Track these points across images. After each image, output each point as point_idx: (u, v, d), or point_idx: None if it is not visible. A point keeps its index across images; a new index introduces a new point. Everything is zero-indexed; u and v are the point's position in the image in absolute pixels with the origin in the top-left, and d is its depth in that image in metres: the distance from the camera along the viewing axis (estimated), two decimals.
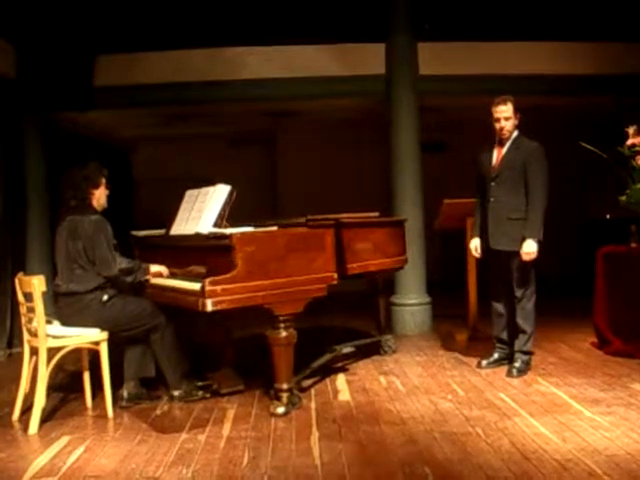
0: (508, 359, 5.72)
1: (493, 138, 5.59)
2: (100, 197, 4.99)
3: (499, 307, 5.69)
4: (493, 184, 5.44)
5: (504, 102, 5.43)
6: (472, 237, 5.79)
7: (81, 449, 4.06)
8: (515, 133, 5.48)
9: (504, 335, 5.73)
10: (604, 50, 8.83)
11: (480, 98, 5.59)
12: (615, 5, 8.90)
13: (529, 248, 5.24)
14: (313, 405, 4.85)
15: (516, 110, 5.44)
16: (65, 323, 4.76)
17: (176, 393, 4.96)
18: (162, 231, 5.53)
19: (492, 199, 5.43)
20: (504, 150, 5.47)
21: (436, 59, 8.28)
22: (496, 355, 5.78)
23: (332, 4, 8.85)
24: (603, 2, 8.96)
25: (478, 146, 5.77)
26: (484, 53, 8.62)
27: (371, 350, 6.42)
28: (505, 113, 5.40)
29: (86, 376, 4.94)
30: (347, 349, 5.98)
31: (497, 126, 5.44)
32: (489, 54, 8.63)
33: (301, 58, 8.48)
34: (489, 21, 8.89)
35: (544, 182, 5.31)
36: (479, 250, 5.67)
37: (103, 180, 5.02)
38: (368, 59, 8.32)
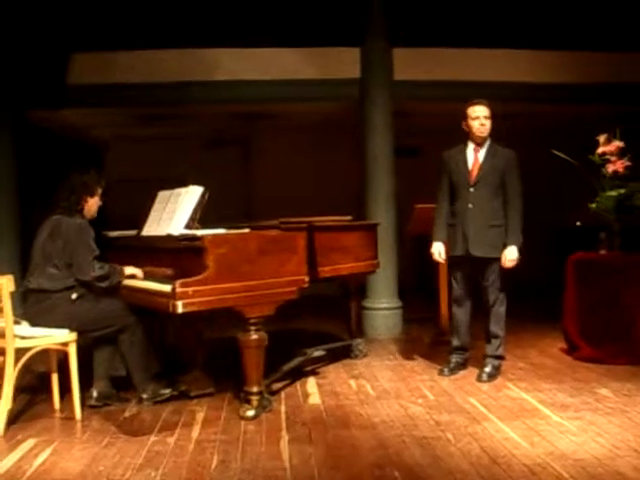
0: (465, 364, 5.80)
1: (464, 142, 5.58)
2: (92, 206, 5.02)
3: (460, 312, 5.71)
4: (472, 190, 5.41)
5: (482, 102, 5.46)
6: (435, 241, 5.67)
7: (48, 452, 4.01)
8: (489, 139, 5.50)
9: (463, 341, 5.77)
10: (576, 59, 8.95)
11: (453, 104, 5.61)
12: (589, 14, 9.01)
13: (512, 255, 5.28)
14: (283, 408, 4.84)
15: (492, 115, 5.48)
16: (34, 323, 4.70)
17: (145, 395, 4.91)
18: (134, 232, 5.50)
19: (471, 205, 5.40)
20: (481, 156, 5.46)
21: (411, 64, 8.32)
22: (454, 360, 5.79)
23: (308, 8, 8.86)
24: (576, 11, 9.06)
25: (445, 150, 5.74)
26: (458, 59, 8.69)
27: (342, 354, 6.42)
28: (485, 112, 5.42)
29: (54, 378, 4.87)
30: (318, 352, 5.98)
31: (476, 125, 5.41)
32: (463, 60, 8.70)
33: (276, 60, 8.49)
34: (464, 28, 8.97)
35: (521, 189, 5.36)
36: (443, 255, 5.64)
37: (99, 190, 5.05)
38: (343, 63, 8.34)
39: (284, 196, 10.46)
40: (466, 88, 8.29)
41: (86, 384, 4.85)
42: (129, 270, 4.93)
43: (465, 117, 5.48)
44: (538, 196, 11.84)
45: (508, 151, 5.46)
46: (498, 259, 5.34)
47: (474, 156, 5.49)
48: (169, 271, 4.72)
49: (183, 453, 3.96)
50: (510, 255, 5.28)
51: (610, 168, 6.15)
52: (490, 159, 5.42)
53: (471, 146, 5.52)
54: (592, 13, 9.07)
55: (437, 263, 5.81)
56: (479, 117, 5.41)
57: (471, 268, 5.53)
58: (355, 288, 6.58)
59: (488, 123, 5.43)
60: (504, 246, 5.30)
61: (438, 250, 5.64)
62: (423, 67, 8.50)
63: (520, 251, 5.31)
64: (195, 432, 4.34)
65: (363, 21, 8.11)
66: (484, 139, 5.46)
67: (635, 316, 6.01)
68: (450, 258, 5.65)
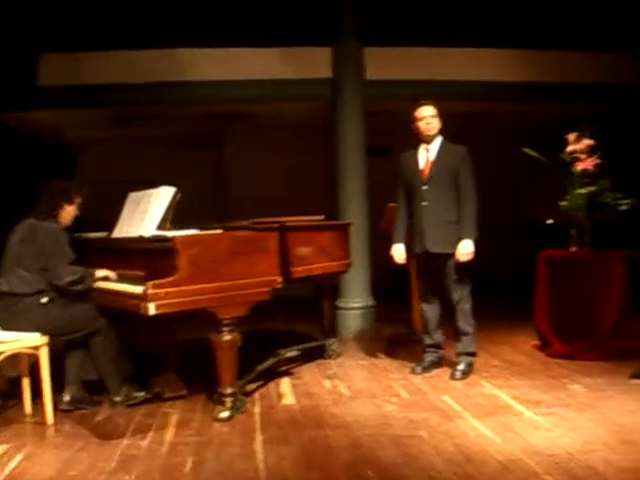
0: (440, 362, 5.83)
1: (416, 142, 5.65)
2: (69, 214, 4.97)
3: (429, 310, 5.75)
4: (425, 188, 5.47)
5: (427, 103, 5.57)
6: (395, 243, 5.72)
7: (19, 457, 3.96)
8: (440, 137, 5.59)
9: (435, 338, 5.80)
10: (546, 58, 9.03)
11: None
12: (556, 14, 9.09)
13: (467, 248, 5.32)
14: (257, 409, 4.83)
15: (439, 114, 5.56)
16: (5, 327, 4.65)
17: (117, 398, 4.87)
18: (104, 233, 5.46)
19: (425, 203, 5.46)
20: (433, 154, 5.54)
21: (382, 64, 8.35)
22: (428, 359, 5.82)
23: (281, 7, 8.86)
24: (544, 10, 9.15)
25: (401, 152, 5.83)
26: (430, 59, 8.74)
27: (316, 354, 6.42)
28: (431, 112, 5.52)
29: (25, 382, 4.82)
30: (292, 353, 5.97)
31: (423, 125, 5.51)
32: (435, 60, 8.76)
33: (250, 61, 8.49)
34: (435, 27, 9.01)
35: (475, 184, 5.43)
36: (403, 256, 5.68)
37: (78, 200, 5.00)
38: (315, 63, 8.36)
39: (257, 196, 10.47)
40: (438, 87, 8.36)
41: (58, 388, 4.79)
42: (101, 272, 4.89)
43: (413, 120, 5.58)
44: (511, 194, 12.04)
45: (460, 147, 5.54)
46: (454, 255, 5.39)
47: (425, 155, 5.58)
48: (141, 273, 4.69)
49: (157, 456, 3.94)
50: (464, 249, 5.32)
51: (580, 166, 6.21)
52: (442, 156, 5.51)
53: (422, 146, 5.62)
54: (562, 12, 9.16)
55: (409, 262, 5.82)
56: (425, 117, 5.52)
57: (433, 265, 5.58)
58: (328, 288, 6.57)
59: (434, 122, 5.53)
60: (459, 241, 5.35)
61: (398, 251, 5.69)
62: (395, 66, 8.54)
63: (477, 246, 5.35)
64: (169, 435, 4.31)
65: (335, 21, 8.13)
66: (433, 137, 5.56)
67: (605, 312, 6.08)
68: (411, 257, 5.70)
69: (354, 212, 7.79)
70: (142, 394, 4.98)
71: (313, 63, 8.39)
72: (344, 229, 6.37)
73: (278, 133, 11.17)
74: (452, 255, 5.39)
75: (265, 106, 9.60)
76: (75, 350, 4.90)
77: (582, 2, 9.16)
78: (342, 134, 8.02)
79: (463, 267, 5.44)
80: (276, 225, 5.01)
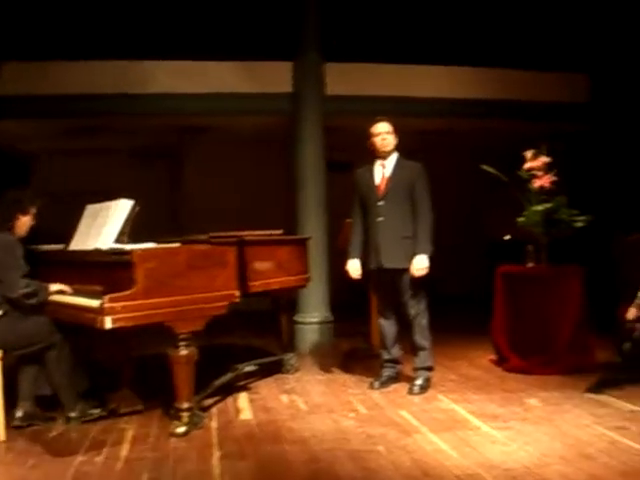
0: (397, 377, 5.84)
1: (372, 158, 5.69)
2: (23, 225, 4.87)
3: (387, 325, 5.76)
4: (381, 203, 5.51)
5: (383, 120, 5.62)
6: (350, 258, 5.73)
7: None
8: (395, 154, 5.64)
9: (393, 353, 5.81)
10: (505, 76, 9.14)
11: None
12: (516, 33, 9.24)
13: (421, 263, 5.35)
14: (214, 424, 4.78)
15: (395, 131, 5.61)
16: None
17: (72, 414, 4.76)
18: (61, 246, 5.38)
19: (381, 218, 5.50)
20: (388, 170, 5.59)
21: (343, 79, 8.39)
22: (386, 374, 5.82)
23: (242, 21, 8.86)
24: (504, 30, 9.28)
25: (355, 168, 5.89)
26: (389, 75, 8.81)
27: (273, 369, 6.38)
28: (386, 128, 5.58)
29: None
30: (249, 367, 5.92)
31: (379, 141, 5.56)
32: (394, 76, 8.83)
33: (210, 74, 8.47)
34: (396, 44, 9.08)
35: (430, 200, 5.48)
36: (359, 272, 5.69)
37: (33, 210, 4.91)
38: (276, 77, 8.37)
39: (215, 209, 10.39)
40: (398, 103, 8.44)
41: (10, 404, 4.69)
42: (55, 287, 4.82)
43: (369, 136, 5.63)
44: (470, 211, 12.15)
45: (415, 164, 5.59)
46: (410, 270, 5.41)
47: (381, 171, 5.62)
48: (98, 287, 4.63)
49: (111, 472, 3.87)
50: (419, 264, 5.36)
51: (537, 183, 6.29)
52: (398, 172, 5.56)
53: (378, 162, 5.66)
54: (522, 32, 9.30)
55: (368, 277, 5.82)
56: (381, 133, 5.57)
57: (388, 281, 5.60)
58: (286, 302, 6.56)
59: (389, 138, 5.58)
60: (414, 256, 5.38)
61: (353, 267, 5.70)
62: (355, 82, 8.59)
63: (431, 260, 5.38)
64: (124, 450, 4.25)
65: (296, 35, 8.15)
66: (388, 153, 5.60)
67: (561, 327, 6.15)
68: (367, 273, 5.71)
69: (313, 227, 7.79)
70: (98, 411, 4.89)
71: (274, 77, 8.39)
72: (302, 244, 6.37)
73: (237, 147, 11.15)
74: (407, 270, 5.42)
75: (225, 120, 9.57)
76: (28, 365, 4.79)
77: (542, 23, 9.31)
78: (302, 149, 8.03)
79: (418, 282, 5.47)
80: (234, 239, 4.99)
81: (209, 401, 5.28)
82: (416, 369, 5.65)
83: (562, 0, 9.19)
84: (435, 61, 8.95)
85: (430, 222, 5.44)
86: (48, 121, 9.11)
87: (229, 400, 5.47)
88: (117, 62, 8.27)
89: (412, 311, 5.53)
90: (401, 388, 5.66)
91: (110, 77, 8.21)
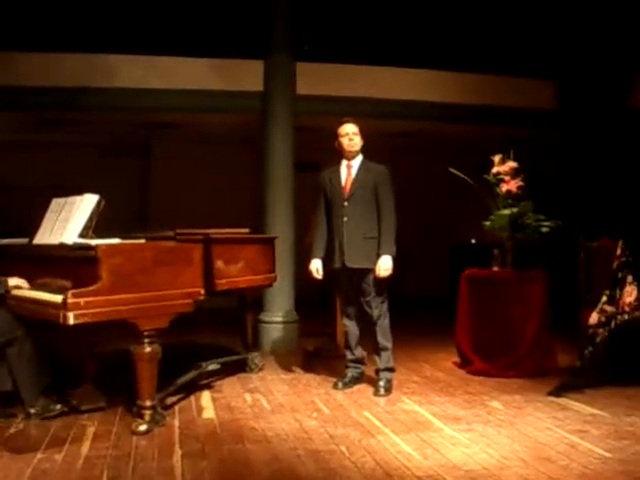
0: (361, 377, 5.86)
1: (338, 159, 5.74)
2: None
3: (351, 325, 5.79)
4: (346, 204, 5.56)
5: (349, 121, 5.67)
6: (313, 258, 5.76)
7: None
8: (360, 156, 5.69)
9: (357, 353, 5.84)
10: (475, 80, 9.22)
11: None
12: (488, 38, 9.31)
13: (386, 264, 5.40)
14: (176, 423, 4.75)
15: (361, 132, 5.66)
16: None
17: (32, 410, 4.69)
18: (25, 240, 5.31)
19: (345, 219, 5.54)
20: (354, 172, 5.65)
21: (314, 79, 8.38)
22: (349, 374, 5.84)
23: (213, 18, 8.81)
24: (476, 35, 9.35)
25: (323, 168, 5.93)
26: (360, 76, 8.82)
27: (237, 367, 6.36)
28: (353, 129, 5.63)
29: None
30: (213, 366, 5.88)
31: (345, 142, 5.62)
32: (365, 77, 8.84)
33: (180, 70, 8.39)
34: (367, 46, 9.11)
35: (394, 202, 5.54)
36: (320, 272, 5.72)
37: None
38: (247, 75, 8.32)
39: (182, 207, 10.35)
40: (368, 105, 8.46)
41: None
42: (12, 281, 4.75)
43: (337, 136, 5.68)
44: (436, 213, 12.22)
45: (380, 167, 5.65)
46: (373, 270, 5.46)
47: (347, 172, 5.68)
48: (62, 281, 4.57)
49: (71, 470, 3.82)
50: (384, 264, 5.41)
51: (504, 187, 6.35)
52: (363, 174, 5.61)
53: (344, 163, 5.71)
54: (492, 37, 9.38)
55: (331, 277, 5.83)
56: (348, 134, 5.63)
57: (352, 281, 5.63)
58: (251, 301, 6.55)
59: (356, 139, 5.64)
60: (378, 257, 5.42)
61: (315, 267, 5.72)
62: (326, 83, 8.58)
63: (394, 261, 5.44)
64: (85, 448, 4.20)
65: (268, 34, 8.12)
66: (355, 154, 5.66)
67: (523, 330, 6.21)
68: (330, 272, 5.73)
69: (280, 226, 7.78)
70: (59, 407, 4.83)
71: (244, 75, 8.35)
72: (270, 243, 6.35)
73: (206, 144, 11.11)
74: (371, 271, 5.46)
75: (193, 116, 9.52)
76: None
77: (510, 29, 9.39)
78: (271, 148, 8.01)
79: (382, 283, 5.52)
80: (201, 236, 4.97)
81: (172, 399, 5.24)
82: (378, 370, 5.67)
83: (534, 7, 9.27)
84: (406, 64, 8.99)
85: (394, 223, 5.50)
86: (11, 113, 8.96)
87: (192, 398, 5.43)
88: (83, 55, 8.13)
89: (375, 312, 5.56)
90: (365, 389, 5.68)
91: (75, 70, 8.04)
